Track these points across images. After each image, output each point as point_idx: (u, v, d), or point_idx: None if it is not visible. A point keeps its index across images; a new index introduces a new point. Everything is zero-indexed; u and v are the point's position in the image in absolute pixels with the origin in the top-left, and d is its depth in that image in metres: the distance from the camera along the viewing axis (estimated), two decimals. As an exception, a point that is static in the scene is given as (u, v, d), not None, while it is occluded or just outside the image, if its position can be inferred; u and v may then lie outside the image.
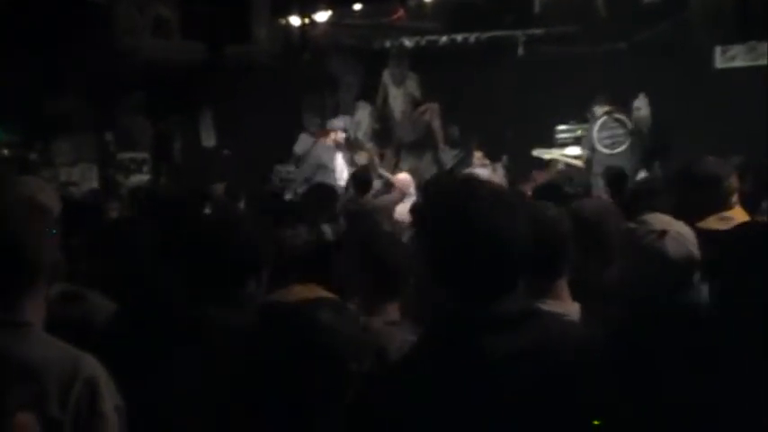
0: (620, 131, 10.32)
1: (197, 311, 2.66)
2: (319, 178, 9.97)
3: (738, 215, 3.42)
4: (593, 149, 10.41)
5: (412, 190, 8.47)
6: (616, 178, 7.39)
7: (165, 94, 11.51)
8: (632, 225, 2.94)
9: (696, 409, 2.27)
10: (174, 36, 10.93)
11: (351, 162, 11.00)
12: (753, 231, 2.73)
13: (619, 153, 10.21)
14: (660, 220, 2.94)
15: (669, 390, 2.35)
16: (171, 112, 12.10)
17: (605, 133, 10.38)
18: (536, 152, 11.18)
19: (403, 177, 8.97)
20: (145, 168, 12.02)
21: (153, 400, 2.39)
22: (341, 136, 10.92)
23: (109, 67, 10.57)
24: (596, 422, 1.88)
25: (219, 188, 8.35)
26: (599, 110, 10.50)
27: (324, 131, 11.17)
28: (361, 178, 8.43)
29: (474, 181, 2.20)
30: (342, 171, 10.72)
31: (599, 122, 10.43)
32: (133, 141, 12.09)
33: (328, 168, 10.61)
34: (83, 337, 2.46)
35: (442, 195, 2.22)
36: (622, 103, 10.95)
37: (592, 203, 3.68)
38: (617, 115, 10.32)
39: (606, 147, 10.31)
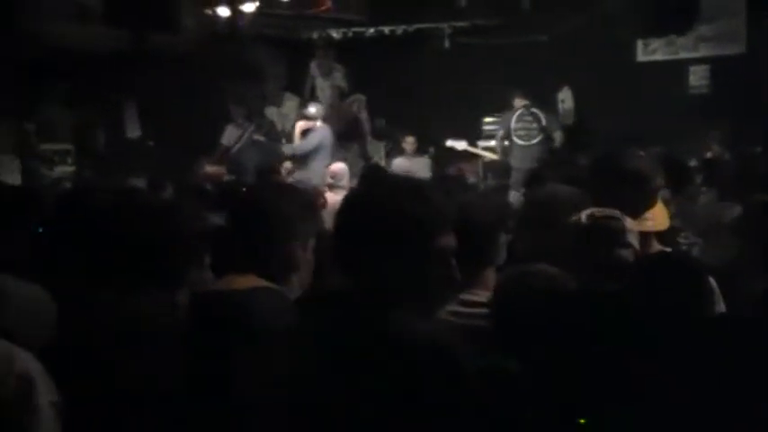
0: (535, 125, 10.55)
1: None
2: None
3: (658, 215, 3.30)
4: (509, 139, 10.60)
5: (345, 181, 8.24)
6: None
7: (87, 84, 11.29)
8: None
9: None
10: (97, 24, 10.72)
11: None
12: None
13: (531, 145, 10.46)
14: None
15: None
16: (94, 101, 11.87)
17: (520, 125, 10.60)
18: (448, 143, 11.31)
19: (336, 167, 8.64)
20: (69, 160, 11.78)
21: (95, 395, 2.38)
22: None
23: (29, 55, 10.32)
24: (582, 420, 1.90)
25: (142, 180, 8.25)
26: (518, 102, 10.67)
27: None
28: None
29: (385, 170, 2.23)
30: None
31: (516, 114, 10.62)
32: (55, 132, 11.83)
33: None
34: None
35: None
36: (543, 96, 11.17)
37: (547, 190, 3.66)
38: (533, 109, 10.54)
39: (520, 138, 10.55)
